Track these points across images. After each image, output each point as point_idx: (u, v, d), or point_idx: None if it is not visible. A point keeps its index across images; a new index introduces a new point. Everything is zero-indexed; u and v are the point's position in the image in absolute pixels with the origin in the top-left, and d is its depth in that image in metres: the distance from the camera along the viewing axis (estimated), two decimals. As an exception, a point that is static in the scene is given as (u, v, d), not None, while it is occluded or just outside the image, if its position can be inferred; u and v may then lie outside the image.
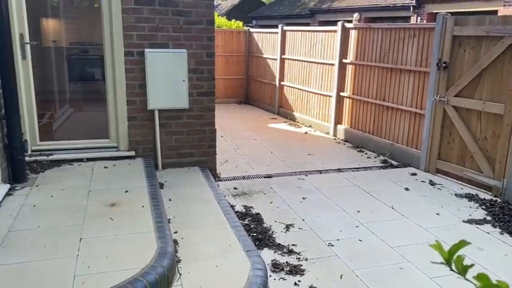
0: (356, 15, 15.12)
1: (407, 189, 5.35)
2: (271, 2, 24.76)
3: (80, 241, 3.06)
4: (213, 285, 2.83)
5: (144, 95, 4.94)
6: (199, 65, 5.06)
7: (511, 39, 4.84)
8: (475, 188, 5.35)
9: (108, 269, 2.73)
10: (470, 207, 4.81)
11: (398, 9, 14.29)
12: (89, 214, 3.50)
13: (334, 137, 8.06)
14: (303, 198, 4.97)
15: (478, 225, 4.34)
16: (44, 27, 6.32)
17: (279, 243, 3.85)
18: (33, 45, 4.79)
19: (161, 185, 4.58)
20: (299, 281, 3.27)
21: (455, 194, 5.18)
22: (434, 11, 13.46)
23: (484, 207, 4.81)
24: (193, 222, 3.74)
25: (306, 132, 8.45)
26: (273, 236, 4.00)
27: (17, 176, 4.16)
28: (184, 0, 4.80)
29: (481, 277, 0.82)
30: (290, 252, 3.71)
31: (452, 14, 5.80)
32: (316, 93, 8.72)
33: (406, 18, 13.89)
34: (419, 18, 13.60)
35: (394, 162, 6.48)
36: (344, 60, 7.79)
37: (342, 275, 3.38)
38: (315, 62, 8.70)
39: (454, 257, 0.89)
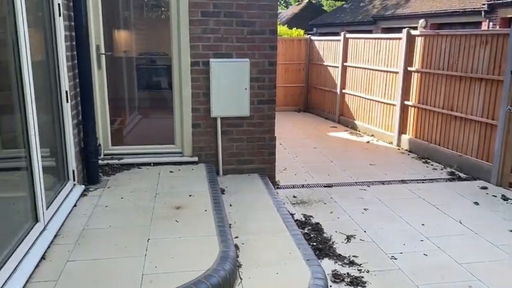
0: (422, 22, 14.60)
1: (476, 203, 5.07)
2: (332, 10, 24.59)
3: (148, 241, 3.21)
4: (273, 292, 2.85)
5: (207, 103, 5.10)
6: (261, 74, 5.15)
7: None
8: (555, 204, 4.96)
9: (173, 269, 2.84)
10: (549, 225, 4.47)
11: (468, 15, 13.63)
12: (156, 216, 3.67)
13: (398, 147, 7.82)
14: (365, 209, 4.87)
15: (557, 245, 4.02)
16: (116, 39, 6.72)
17: (340, 254, 3.80)
18: (107, 56, 5.13)
19: (222, 191, 4.69)
20: (360, 293, 3.21)
21: (531, 211, 4.84)
22: (509, 16, 12.68)
23: None
24: (254, 228, 3.79)
25: (368, 142, 8.27)
26: (334, 246, 3.95)
27: (91, 178, 4.45)
28: (248, 11, 4.92)
29: None
30: (351, 263, 3.64)
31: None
32: (379, 102, 8.53)
33: (477, 24, 13.22)
34: (491, 23, 12.88)
35: (462, 175, 6.17)
36: (409, 68, 7.56)
37: (405, 290, 3.27)
38: (378, 70, 8.51)
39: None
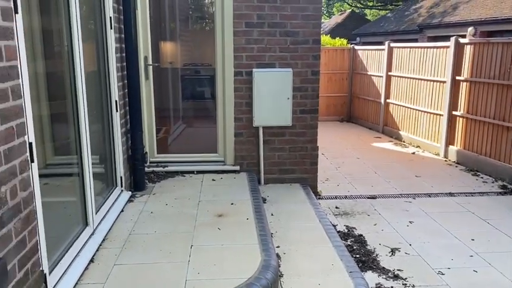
0: (471, 30, 14.10)
1: (531, 219, 4.80)
2: (376, 19, 24.24)
3: (191, 248, 3.27)
4: (315, 303, 2.81)
5: (250, 113, 5.15)
6: (303, 83, 5.14)
7: None
8: None
9: (215, 276, 2.87)
10: None
11: (521, 21, 13.01)
12: (199, 223, 3.73)
13: (445, 159, 7.55)
14: (410, 222, 4.73)
15: None
16: (163, 50, 6.93)
17: (384, 267, 3.70)
18: (154, 67, 5.30)
19: (264, 200, 4.70)
20: (405, 308, 3.11)
21: None
22: None
23: None
24: (295, 238, 3.77)
25: (414, 153, 8.04)
26: (377, 259, 3.86)
27: (138, 184, 4.59)
28: (292, 21, 4.95)
29: None
30: (395, 277, 3.54)
31: None
32: (425, 112, 8.29)
33: (531, 31, 12.58)
34: (546, 30, 12.24)
35: (515, 189, 5.87)
36: (457, 77, 7.31)
37: (453, 307, 3.13)
38: (424, 79, 8.29)
39: None
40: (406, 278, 3.52)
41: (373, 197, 5.51)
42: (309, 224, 4.07)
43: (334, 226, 4.45)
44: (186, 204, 4.17)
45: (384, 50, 9.71)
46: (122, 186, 4.30)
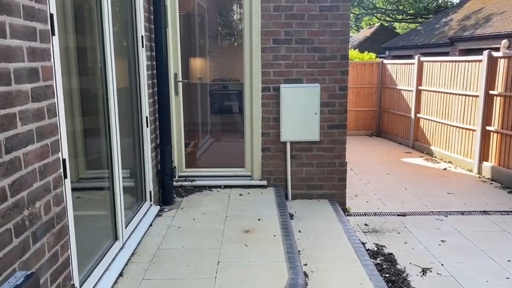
0: (504, 42, 13.73)
1: None
2: (406, 32, 23.98)
3: (218, 264, 3.27)
4: (343, 324, 2.75)
5: (277, 128, 5.15)
6: (331, 99, 5.12)
7: None
8: None
9: (242, 294, 2.85)
10: None
11: (558, 33, 12.60)
12: (225, 239, 3.73)
13: (479, 175, 7.31)
14: (442, 240, 4.58)
15: None
16: (192, 66, 7.06)
17: (415, 288, 3.59)
18: (183, 83, 5.40)
19: (291, 216, 4.67)
20: (438, 332, 3.00)
21: None
22: None
23: None
24: (323, 256, 3.71)
25: (445, 169, 7.83)
26: (408, 279, 3.75)
27: (166, 199, 4.64)
28: (320, 37, 4.95)
29: None
30: (427, 298, 3.43)
31: None
32: (457, 127, 8.08)
33: None
34: None
35: (554, 207, 5.62)
36: (491, 92, 7.12)
37: (489, 333, 3.00)
38: (455, 94, 8.11)
39: None
40: (438, 300, 3.40)
41: (404, 215, 5.39)
42: (338, 242, 4.01)
43: (363, 244, 4.36)
44: (213, 219, 4.19)
45: (413, 64, 9.57)
46: (151, 201, 4.37)
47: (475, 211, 5.52)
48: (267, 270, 3.18)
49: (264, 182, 5.24)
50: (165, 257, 3.40)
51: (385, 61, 11.28)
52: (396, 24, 33.81)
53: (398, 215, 5.37)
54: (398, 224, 5.08)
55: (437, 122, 8.74)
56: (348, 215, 5.29)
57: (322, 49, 5.00)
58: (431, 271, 3.90)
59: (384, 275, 3.75)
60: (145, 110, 4.19)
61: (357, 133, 11.27)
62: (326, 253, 3.78)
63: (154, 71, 4.50)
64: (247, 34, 5.02)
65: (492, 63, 7.12)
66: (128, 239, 3.56)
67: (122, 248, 3.40)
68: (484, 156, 7.33)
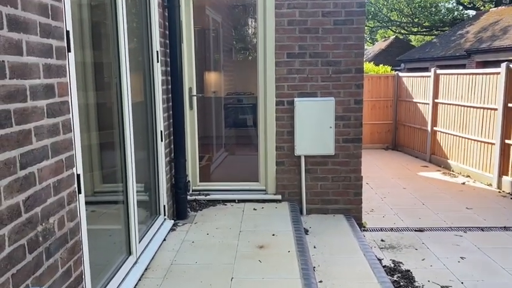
0: (523, 54, 13.51)
1: None
2: (421, 45, 23.84)
3: (231, 280, 3.23)
4: None
5: (291, 141, 5.12)
6: (346, 112, 5.08)
7: None
8: None
9: (255, 311, 2.80)
10: None
11: None
12: (239, 254, 3.69)
13: (498, 190, 7.14)
14: (461, 257, 4.46)
15: None
16: (207, 80, 7.11)
17: (433, 307, 3.49)
18: (198, 97, 5.42)
19: (306, 231, 4.61)
20: None
21: None
22: None
23: None
24: (339, 273, 3.64)
25: (464, 183, 7.67)
26: (426, 297, 3.65)
27: (180, 213, 4.63)
28: (334, 51, 4.94)
29: None
30: (447, 318, 3.32)
31: None
32: (475, 140, 7.94)
33: None
34: None
35: None
36: (510, 105, 6.98)
37: None
38: (473, 107, 7.98)
39: None
40: (458, 320, 3.30)
41: (421, 230, 5.27)
42: (353, 258, 3.93)
43: (380, 260, 4.27)
44: (227, 234, 4.16)
45: (429, 76, 9.48)
46: (165, 215, 4.36)
47: (495, 227, 5.37)
48: (281, 286, 3.13)
49: (279, 197, 5.20)
50: (178, 273, 3.37)
51: (400, 74, 11.20)
52: (411, 37, 33.68)
53: (415, 231, 5.26)
54: (416, 239, 4.97)
55: (454, 135, 8.60)
56: (363, 230, 5.20)
57: (337, 63, 4.98)
58: (450, 289, 3.79)
59: (401, 293, 3.65)
60: (160, 124, 4.21)
61: (373, 146, 11.15)
62: (342, 269, 3.71)
63: (169, 86, 4.54)
64: (261, 48, 5.03)
65: (510, 75, 7.00)
66: (141, 253, 3.55)
67: (135, 263, 3.39)
68: (503, 170, 7.16)
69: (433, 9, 28.40)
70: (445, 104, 8.97)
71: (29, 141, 1.94)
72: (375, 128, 11.27)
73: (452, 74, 8.80)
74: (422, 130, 9.85)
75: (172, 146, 4.64)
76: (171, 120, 4.61)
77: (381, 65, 14.92)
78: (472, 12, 26.14)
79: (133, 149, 3.42)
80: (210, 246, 3.87)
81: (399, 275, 4.07)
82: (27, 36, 1.92)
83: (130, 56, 3.38)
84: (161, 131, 4.23)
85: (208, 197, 5.19)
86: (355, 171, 5.16)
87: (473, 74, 8.11)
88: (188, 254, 3.71)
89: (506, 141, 7.07)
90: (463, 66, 15.51)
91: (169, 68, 4.52)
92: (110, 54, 3.21)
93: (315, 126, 5.04)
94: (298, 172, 5.17)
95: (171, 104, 4.57)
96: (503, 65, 7.12)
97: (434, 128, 9.35)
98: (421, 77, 10.02)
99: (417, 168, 8.91)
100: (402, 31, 31.18)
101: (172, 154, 4.66)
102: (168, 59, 4.51)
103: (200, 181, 5.39)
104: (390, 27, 31.72)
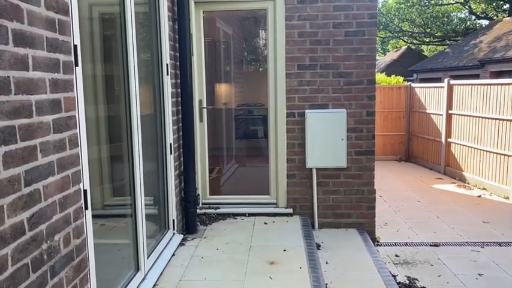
0: (538, 63, 13.30)
1: None
2: (433, 55, 23.67)
3: (241, 298, 3.15)
4: None
5: (302, 154, 5.05)
6: (358, 124, 5.00)
7: None
8: None
9: (266, 331, 2.71)
10: None
11: None
12: (249, 270, 3.60)
13: (516, 203, 6.97)
14: (479, 274, 4.32)
15: None
16: (217, 92, 7.09)
17: (451, 327, 3.36)
18: (208, 109, 5.39)
19: (318, 246, 4.51)
20: None
21: None
22: None
23: None
24: (352, 290, 3.54)
25: (480, 196, 7.49)
26: (443, 316, 3.52)
27: (189, 227, 4.57)
28: (345, 62, 4.88)
29: None
30: None
31: None
32: (490, 152, 7.77)
33: None
34: None
35: None
36: (526, 115, 6.84)
37: None
38: (488, 118, 7.83)
39: None
40: None
41: (436, 245, 5.13)
42: (367, 274, 3.82)
43: (394, 277, 4.15)
44: (237, 249, 4.08)
45: (443, 87, 9.36)
46: (174, 229, 4.30)
47: (514, 242, 5.22)
48: (293, 305, 3.04)
49: (290, 210, 5.11)
50: (187, 289, 3.30)
51: (413, 84, 11.10)
52: (423, 47, 33.47)
53: (430, 245, 5.12)
54: (431, 255, 4.84)
55: (469, 146, 8.44)
56: (377, 245, 5.08)
57: (348, 74, 4.91)
58: (468, 308, 3.66)
59: (417, 312, 3.53)
60: (169, 137, 4.18)
61: (386, 158, 11.01)
62: (355, 286, 3.60)
63: (179, 98, 4.51)
64: (272, 60, 5.00)
65: (527, 86, 6.87)
66: (150, 269, 3.49)
67: (143, 279, 3.33)
68: (521, 182, 6.99)
69: (445, 19, 28.26)
70: (459, 115, 8.83)
71: (34, 157, 1.90)
72: (387, 139, 11.14)
73: (466, 84, 8.67)
74: (436, 141, 9.70)
75: (181, 159, 4.60)
76: (181, 133, 4.57)
77: (393, 76, 14.80)
78: (484, 22, 25.93)
79: (142, 161, 3.38)
80: (220, 262, 3.79)
81: (415, 292, 3.94)
82: (34, 51, 1.90)
83: (139, 68, 3.36)
84: (170, 144, 4.20)
85: (218, 211, 5.12)
86: (368, 184, 5.06)
87: (487, 84, 7.98)
88: (197, 270, 3.64)
89: (524, 153, 6.91)
90: (477, 76, 15.32)
91: (179, 81, 4.50)
92: (119, 67, 3.19)
93: (327, 138, 4.96)
94: (310, 185, 5.09)
95: (180, 116, 4.54)
96: (519, 75, 6.99)
97: (449, 140, 9.20)
98: (434, 87, 9.90)
99: (431, 181, 8.74)
100: (414, 41, 31.03)
101: (182, 167, 4.61)
102: (178, 72, 4.49)
103: (210, 194, 5.34)
104: (402, 38, 31.60)
